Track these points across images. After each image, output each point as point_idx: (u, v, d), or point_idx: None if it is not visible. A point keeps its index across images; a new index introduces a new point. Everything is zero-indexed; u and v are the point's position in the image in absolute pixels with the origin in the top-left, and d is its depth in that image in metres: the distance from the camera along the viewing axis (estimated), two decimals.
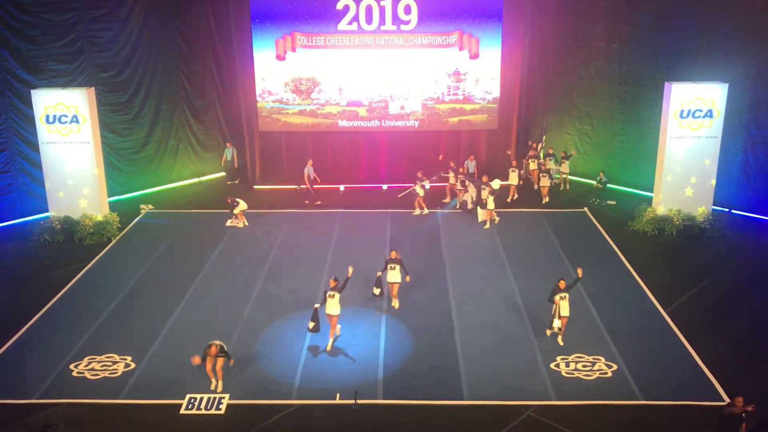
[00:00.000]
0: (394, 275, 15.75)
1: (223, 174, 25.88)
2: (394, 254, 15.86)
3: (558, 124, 25.56)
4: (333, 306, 14.10)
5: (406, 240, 19.78)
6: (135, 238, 20.61)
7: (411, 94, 24.45)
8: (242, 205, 21.19)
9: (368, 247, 19.26)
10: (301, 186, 23.66)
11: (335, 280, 14.28)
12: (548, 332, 14.64)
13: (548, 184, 23.21)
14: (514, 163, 23.87)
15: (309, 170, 23.59)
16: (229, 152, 24.99)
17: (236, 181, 25.23)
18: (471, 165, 24.05)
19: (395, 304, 15.96)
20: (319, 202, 23.09)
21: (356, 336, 14.79)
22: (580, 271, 14.66)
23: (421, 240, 19.99)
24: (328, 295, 14.10)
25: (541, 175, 23.48)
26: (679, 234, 20.29)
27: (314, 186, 23.62)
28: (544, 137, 25.18)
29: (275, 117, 24.66)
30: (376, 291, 15.97)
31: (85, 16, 21.72)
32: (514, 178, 23.41)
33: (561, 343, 14.31)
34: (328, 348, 14.26)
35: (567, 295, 14.27)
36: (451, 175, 23.15)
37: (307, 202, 23.05)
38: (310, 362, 13.85)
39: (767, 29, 20.53)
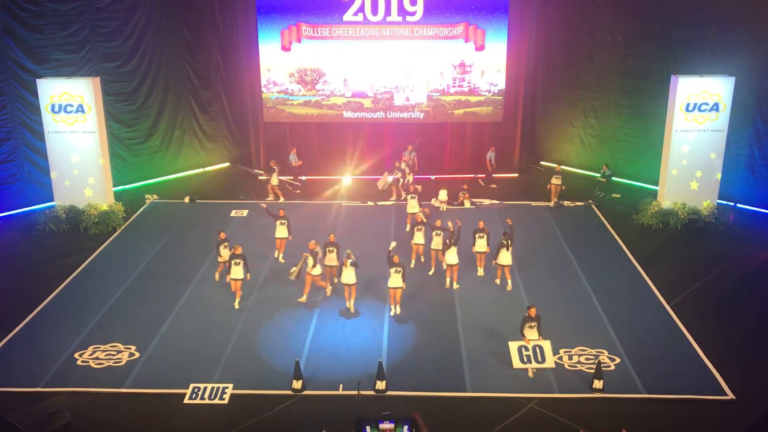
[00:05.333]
0: (396, 280, 15.11)
1: (227, 165, 25.94)
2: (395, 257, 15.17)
3: (563, 116, 25.50)
4: (349, 275, 15.10)
5: (409, 233, 19.76)
6: (140, 227, 20.66)
7: (416, 85, 24.39)
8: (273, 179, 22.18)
9: (372, 240, 19.25)
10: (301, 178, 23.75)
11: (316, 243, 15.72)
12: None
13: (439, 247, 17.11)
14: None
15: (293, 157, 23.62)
16: (293, 158, 23.66)
17: (297, 191, 23.44)
18: (493, 156, 23.98)
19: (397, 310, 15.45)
20: (485, 181, 23.85)
21: (360, 327, 14.83)
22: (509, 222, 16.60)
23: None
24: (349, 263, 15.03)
25: (416, 229, 17.63)
26: (683, 228, 20.24)
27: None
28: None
29: (280, 108, 24.65)
30: (293, 271, 15.85)
31: (91, 5, 21.70)
32: (437, 242, 17.09)
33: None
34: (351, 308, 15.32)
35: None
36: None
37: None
38: (314, 353, 13.89)
39: None
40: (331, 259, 16.10)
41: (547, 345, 12.97)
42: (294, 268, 15.81)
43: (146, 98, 23.71)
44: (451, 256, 16.24)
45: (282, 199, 22.25)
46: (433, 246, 17.17)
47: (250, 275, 15.86)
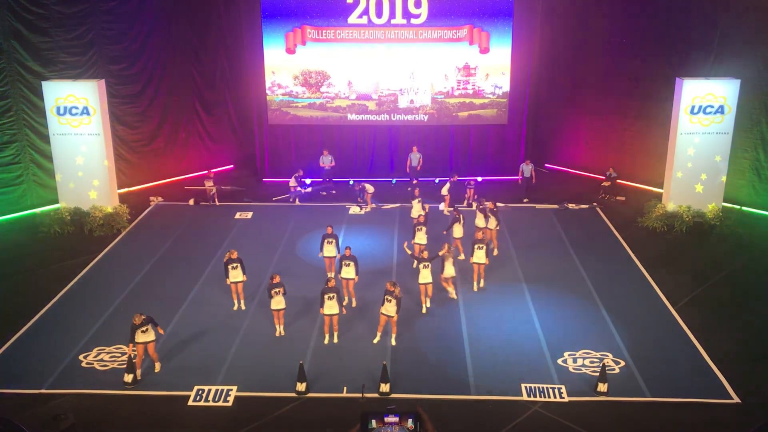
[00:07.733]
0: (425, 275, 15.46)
1: (231, 167, 25.99)
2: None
3: (568, 119, 25.46)
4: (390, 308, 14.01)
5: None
6: (144, 230, 20.69)
7: (420, 88, 24.40)
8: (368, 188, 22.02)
9: (376, 242, 19.25)
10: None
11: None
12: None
13: None
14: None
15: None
16: (527, 169, 22.84)
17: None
18: (527, 169, 22.99)
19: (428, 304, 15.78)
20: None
21: (364, 330, 14.81)
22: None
23: (429, 235, 19.91)
24: (386, 299, 14.05)
25: (417, 229, 17.64)
26: (688, 231, 20.18)
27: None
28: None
29: (285, 110, 24.67)
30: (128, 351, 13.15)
31: (97, 8, 21.77)
32: (425, 275, 15.61)
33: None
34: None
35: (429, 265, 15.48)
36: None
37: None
38: (318, 355, 13.89)
39: None
40: (331, 306, 14.22)
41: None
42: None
43: (151, 100, 23.76)
44: (426, 275, 15.39)
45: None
46: (420, 280, 15.57)
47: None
